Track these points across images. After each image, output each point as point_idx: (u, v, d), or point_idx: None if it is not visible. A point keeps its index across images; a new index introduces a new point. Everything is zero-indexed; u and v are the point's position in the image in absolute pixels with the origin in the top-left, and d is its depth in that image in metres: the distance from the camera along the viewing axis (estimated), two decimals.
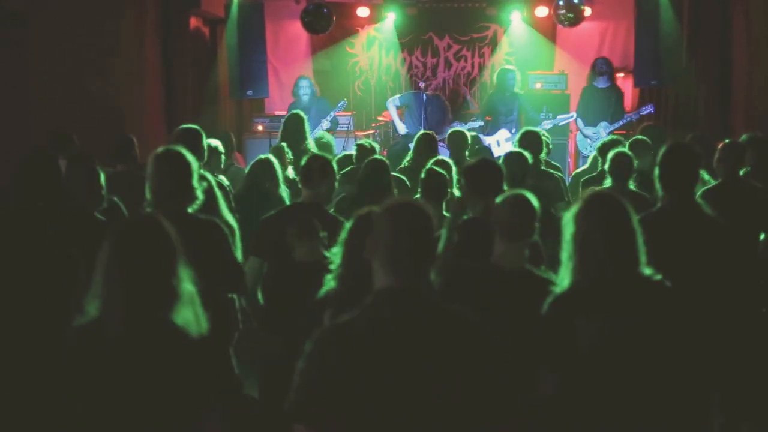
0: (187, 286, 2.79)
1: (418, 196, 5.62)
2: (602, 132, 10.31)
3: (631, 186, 5.94)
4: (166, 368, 2.71)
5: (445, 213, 5.02)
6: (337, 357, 2.46)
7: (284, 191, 6.50)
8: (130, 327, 2.69)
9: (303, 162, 5.16)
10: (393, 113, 10.95)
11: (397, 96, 11.32)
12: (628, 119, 10.52)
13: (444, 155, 8.06)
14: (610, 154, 6.10)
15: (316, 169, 5.02)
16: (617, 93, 10.92)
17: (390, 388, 2.44)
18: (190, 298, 2.79)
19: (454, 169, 5.76)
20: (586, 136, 10.50)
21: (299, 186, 5.17)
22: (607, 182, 5.99)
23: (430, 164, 5.80)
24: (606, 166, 6.10)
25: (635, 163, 6.03)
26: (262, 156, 6.81)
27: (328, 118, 10.40)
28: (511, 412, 2.61)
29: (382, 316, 2.51)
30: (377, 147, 7.44)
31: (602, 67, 10.88)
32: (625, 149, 6.25)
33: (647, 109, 10.71)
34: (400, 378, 2.44)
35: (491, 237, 3.77)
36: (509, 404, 2.60)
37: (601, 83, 10.82)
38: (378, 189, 5.48)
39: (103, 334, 2.70)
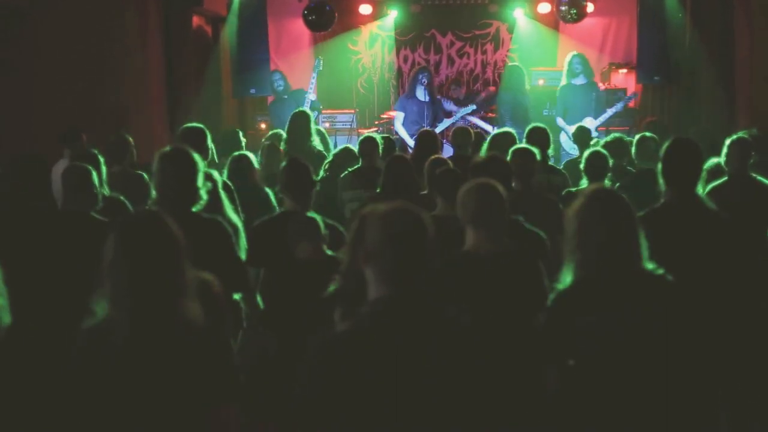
0: (192, 280, 2.80)
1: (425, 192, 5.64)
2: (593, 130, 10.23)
3: (607, 184, 5.95)
4: (177, 363, 2.71)
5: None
6: (337, 367, 2.43)
7: (265, 188, 6.48)
8: (139, 323, 2.70)
9: (284, 169, 5.11)
10: (401, 132, 10.86)
11: (394, 112, 11.25)
12: (613, 111, 10.45)
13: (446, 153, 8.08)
14: (585, 154, 6.17)
15: (301, 181, 5.00)
16: (596, 89, 10.87)
17: (390, 398, 2.42)
18: (195, 293, 2.80)
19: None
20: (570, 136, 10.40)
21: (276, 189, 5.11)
22: (583, 182, 6.05)
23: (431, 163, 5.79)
24: (581, 166, 6.14)
25: (610, 162, 6.07)
26: (237, 153, 6.80)
27: (312, 81, 10.81)
28: (511, 414, 2.60)
29: (380, 325, 2.47)
30: (379, 139, 7.41)
31: (577, 67, 10.81)
32: (599, 149, 6.29)
33: (630, 98, 10.69)
34: (400, 387, 2.43)
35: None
36: (509, 406, 2.59)
37: (579, 81, 10.75)
38: (403, 188, 5.53)
39: (112, 333, 2.71)
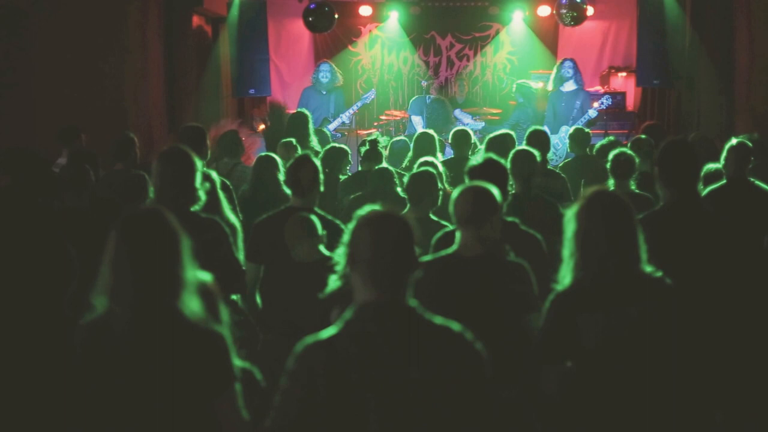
0: (192, 275, 2.83)
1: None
2: (565, 138, 10.14)
3: (632, 186, 5.92)
4: (177, 357, 2.74)
5: (432, 216, 4.98)
6: (322, 374, 2.42)
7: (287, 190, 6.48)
8: (139, 316, 2.73)
9: (291, 166, 5.11)
10: (416, 122, 11.11)
11: (409, 110, 11.57)
12: (587, 117, 10.21)
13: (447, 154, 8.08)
14: (611, 154, 6.09)
15: (306, 175, 5.00)
16: (583, 97, 10.66)
17: (378, 403, 2.42)
18: (195, 288, 2.84)
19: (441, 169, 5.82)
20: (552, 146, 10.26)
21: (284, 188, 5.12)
22: (610, 183, 5.97)
23: (415, 167, 5.82)
24: (608, 166, 6.08)
25: (637, 162, 6.01)
26: (264, 153, 6.83)
27: (355, 108, 10.80)
28: (498, 418, 2.60)
29: (367, 330, 2.47)
30: (383, 142, 7.43)
31: (568, 72, 10.66)
32: (627, 149, 6.22)
33: (604, 103, 10.32)
34: (388, 392, 2.43)
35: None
36: (496, 410, 2.59)
37: (568, 87, 10.63)
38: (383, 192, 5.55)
39: (113, 326, 2.74)
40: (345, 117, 10.69)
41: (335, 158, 7.10)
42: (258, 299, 4.86)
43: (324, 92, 11.02)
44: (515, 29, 13.25)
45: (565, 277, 3.29)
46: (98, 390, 2.76)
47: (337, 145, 7.72)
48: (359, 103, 10.81)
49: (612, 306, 3.19)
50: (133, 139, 6.82)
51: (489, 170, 4.46)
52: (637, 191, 5.87)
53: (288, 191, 6.29)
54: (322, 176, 5.08)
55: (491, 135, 6.72)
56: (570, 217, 3.29)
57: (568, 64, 10.69)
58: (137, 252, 2.74)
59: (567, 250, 3.28)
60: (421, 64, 13.62)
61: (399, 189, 6.06)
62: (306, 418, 2.44)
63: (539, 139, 6.73)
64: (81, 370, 2.79)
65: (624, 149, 6.19)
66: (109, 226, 2.84)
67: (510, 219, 4.34)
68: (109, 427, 2.78)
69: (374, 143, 7.24)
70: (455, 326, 2.55)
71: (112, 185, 5.65)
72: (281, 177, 6.46)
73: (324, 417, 2.42)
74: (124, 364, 2.73)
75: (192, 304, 2.79)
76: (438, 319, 2.55)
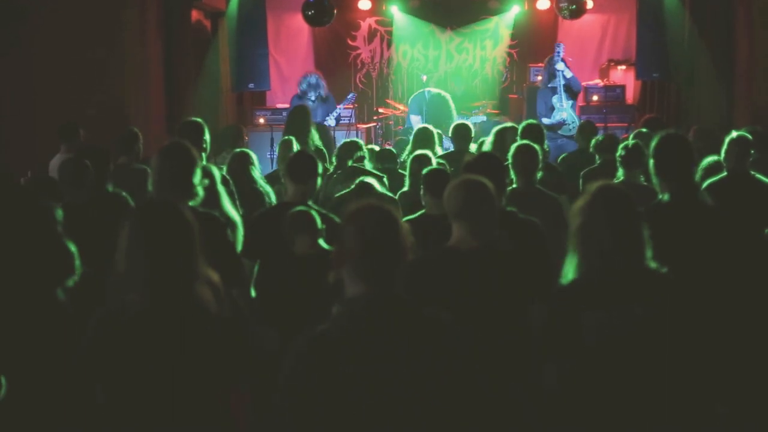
0: (204, 267, 2.89)
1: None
2: (567, 108, 10.01)
3: (641, 179, 5.87)
4: (192, 344, 2.78)
5: None
6: (317, 369, 2.43)
7: (265, 185, 6.52)
8: (156, 304, 2.77)
9: (289, 161, 5.11)
10: (415, 121, 11.18)
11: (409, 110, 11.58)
12: (566, 80, 10.06)
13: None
14: (621, 146, 6.04)
15: (304, 166, 4.99)
16: (570, 78, 10.39)
17: (374, 397, 2.42)
18: (207, 278, 2.89)
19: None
20: (562, 120, 10.16)
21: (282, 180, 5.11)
22: (619, 173, 5.95)
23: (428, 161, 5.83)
24: (617, 155, 5.99)
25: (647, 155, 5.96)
26: (238, 150, 6.85)
27: (336, 112, 10.64)
28: (494, 410, 2.60)
29: (358, 325, 2.47)
30: (363, 146, 7.44)
31: (558, 63, 10.52)
32: (637, 141, 6.18)
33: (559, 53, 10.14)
34: (383, 386, 2.43)
35: None
36: (492, 402, 2.59)
37: (555, 83, 10.53)
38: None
39: (129, 315, 2.77)
40: (330, 120, 10.63)
41: (350, 151, 7.13)
42: (253, 293, 4.85)
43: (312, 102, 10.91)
44: (514, 22, 13.24)
45: (569, 272, 3.28)
46: (115, 378, 2.80)
47: (349, 140, 7.73)
48: (342, 105, 10.77)
49: (616, 303, 3.18)
50: (138, 134, 6.89)
51: (484, 164, 4.43)
52: (644, 183, 5.82)
53: (266, 187, 6.34)
54: (320, 171, 5.08)
55: (498, 128, 6.66)
56: (574, 212, 3.28)
57: (555, 59, 10.43)
58: (154, 242, 2.80)
59: (570, 245, 3.28)
60: (421, 58, 13.62)
61: (380, 187, 6.09)
62: (305, 415, 2.43)
63: (533, 133, 6.67)
64: (95, 359, 2.82)
65: (635, 141, 6.15)
66: (110, 221, 2.86)
67: (509, 209, 4.33)
68: (126, 416, 2.81)
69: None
70: (444, 316, 2.55)
71: (116, 179, 5.65)
72: (255, 173, 6.48)
73: (322, 412, 2.43)
74: (142, 352, 2.76)
75: (206, 294, 2.84)
76: (427, 310, 2.55)
